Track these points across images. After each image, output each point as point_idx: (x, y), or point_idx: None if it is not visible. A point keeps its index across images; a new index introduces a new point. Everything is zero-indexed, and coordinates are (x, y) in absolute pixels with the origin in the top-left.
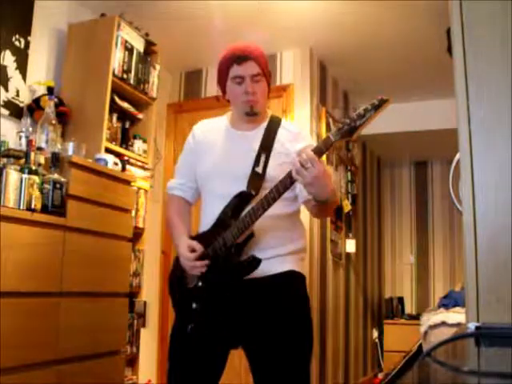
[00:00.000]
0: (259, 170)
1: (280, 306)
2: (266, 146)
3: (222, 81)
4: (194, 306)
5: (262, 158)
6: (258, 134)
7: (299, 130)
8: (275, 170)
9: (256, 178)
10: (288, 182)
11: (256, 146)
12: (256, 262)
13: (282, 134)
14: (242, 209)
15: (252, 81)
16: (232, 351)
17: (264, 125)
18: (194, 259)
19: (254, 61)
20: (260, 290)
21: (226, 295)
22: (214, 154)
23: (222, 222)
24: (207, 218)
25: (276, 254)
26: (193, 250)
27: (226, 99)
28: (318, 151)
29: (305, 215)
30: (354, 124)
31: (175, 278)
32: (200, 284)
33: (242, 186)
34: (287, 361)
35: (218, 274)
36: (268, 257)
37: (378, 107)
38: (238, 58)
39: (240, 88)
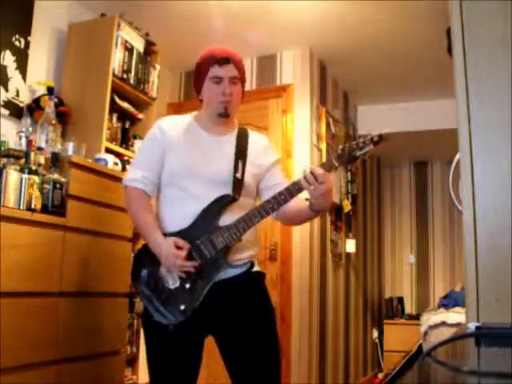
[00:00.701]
0: (239, 175)
1: (255, 301)
2: (241, 154)
3: (199, 80)
4: (182, 307)
5: (240, 165)
6: (230, 140)
7: (267, 142)
8: (249, 178)
9: (237, 184)
10: (293, 192)
11: (231, 151)
12: (251, 266)
13: (253, 144)
14: (222, 212)
15: (230, 82)
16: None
17: (234, 132)
18: (184, 258)
19: (233, 64)
20: (235, 287)
21: (216, 296)
22: (188, 154)
23: (202, 224)
24: (175, 216)
25: (249, 256)
26: (178, 248)
27: (199, 99)
28: (325, 168)
29: None
30: (354, 154)
31: (148, 275)
32: (188, 286)
33: (220, 190)
34: (258, 336)
35: (205, 275)
36: (244, 258)
37: (376, 143)
38: (220, 59)
39: (217, 88)
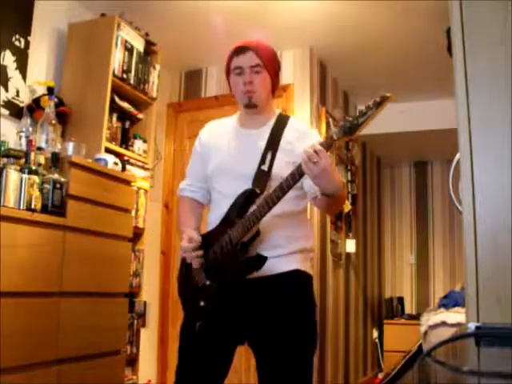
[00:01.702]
0: (265, 167)
1: (284, 305)
2: (273, 144)
3: (227, 76)
4: (201, 303)
5: (269, 156)
6: (264, 132)
7: (306, 128)
8: (282, 168)
9: (262, 176)
10: (296, 176)
11: (262, 143)
12: (262, 260)
13: (289, 133)
14: (247, 207)
15: (251, 71)
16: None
17: (271, 123)
18: (191, 250)
19: (253, 52)
20: (265, 289)
21: (230, 293)
22: (221, 154)
23: (227, 221)
24: (214, 216)
25: (281, 253)
26: (191, 241)
27: (232, 95)
28: (324, 146)
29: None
30: (356, 122)
31: (183, 277)
32: (208, 282)
33: (247, 185)
34: (289, 359)
35: (223, 272)
36: (273, 256)
37: (379, 104)
38: (238, 48)
39: (239, 79)
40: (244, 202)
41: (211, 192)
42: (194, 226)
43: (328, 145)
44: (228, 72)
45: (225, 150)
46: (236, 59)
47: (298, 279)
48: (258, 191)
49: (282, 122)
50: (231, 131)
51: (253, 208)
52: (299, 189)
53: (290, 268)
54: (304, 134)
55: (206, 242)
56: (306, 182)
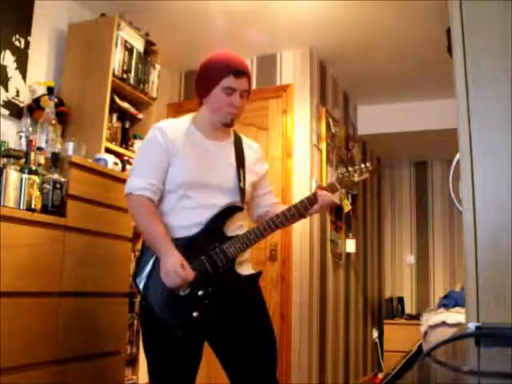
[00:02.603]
0: (242, 185)
1: (250, 299)
2: (241, 162)
3: (208, 85)
4: (195, 314)
5: (241, 173)
6: (229, 146)
7: (260, 150)
8: (249, 187)
9: (242, 193)
10: (308, 206)
11: (232, 159)
12: (258, 277)
13: (248, 152)
14: (229, 220)
15: (241, 96)
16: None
17: (231, 139)
18: (184, 280)
19: (247, 78)
20: (238, 288)
21: (227, 303)
22: (193, 161)
23: (211, 232)
24: (186, 223)
25: (247, 259)
26: (184, 267)
27: (201, 102)
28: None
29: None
30: (353, 179)
31: (155, 287)
32: (200, 293)
33: (228, 198)
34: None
35: (221, 286)
36: (243, 261)
37: (371, 172)
38: (238, 71)
39: (228, 99)
40: (227, 215)
41: (170, 196)
42: (171, 241)
43: (333, 191)
44: (213, 84)
45: (193, 158)
46: (232, 80)
47: (259, 277)
48: (243, 206)
49: (238, 139)
50: (193, 138)
51: (234, 223)
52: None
53: (253, 271)
54: (260, 157)
55: (187, 251)
56: (261, 197)
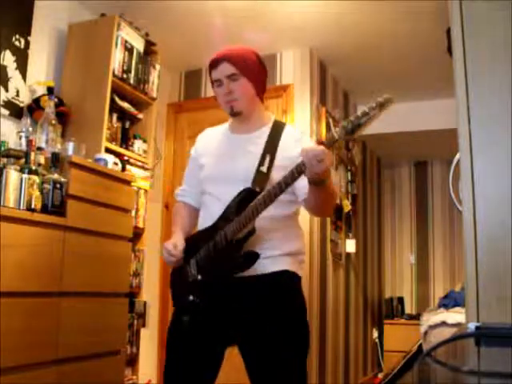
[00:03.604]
0: (264, 169)
1: (272, 305)
2: (271, 148)
3: (213, 88)
4: (190, 298)
5: (267, 159)
6: (257, 137)
7: (301, 136)
8: (279, 173)
9: (261, 177)
10: (295, 175)
11: (259, 147)
12: (254, 257)
13: (285, 139)
14: (245, 205)
15: (228, 81)
16: (232, 349)
17: (266, 128)
18: (171, 254)
19: (227, 62)
20: (253, 289)
21: (221, 290)
22: (215, 159)
23: (224, 218)
24: (205, 218)
25: (270, 255)
26: (175, 247)
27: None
28: (324, 145)
29: (304, 216)
30: (357, 122)
31: (176, 272)
32: (199, 277)
33: (240, 187)
34: (281, 360)
35: (217, 267)
36: (265, 256)
37: (382, 105)
38: (212, 62)
39: (220, 90)
40: (242, 200)
41: (203, 196)
42: (183, 229)
43: (329, 144)
44: (212, 84)
45: (216, 155)
46: (213, 72)
47: (287, 279)
48: (258, 190)
49: (278, 128)
50: (222, 137)
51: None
52: (291, 193)
53: (280, 268)
54: (300, 142)
55: (197, 240)
56: (298, 184)
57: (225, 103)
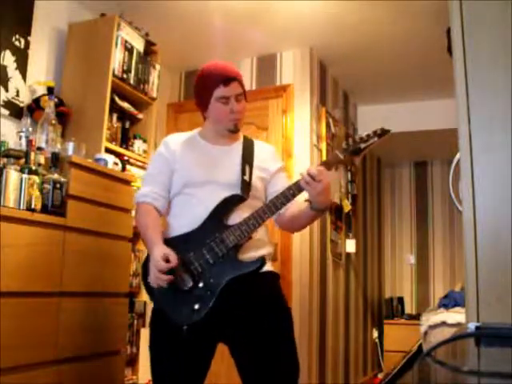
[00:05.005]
0: (246, 178)
1: (265, 302)
2: (248, 159)
3: (204, 99)
4: (196, 306)
5: (247, 168)
6: (237, 149)
7: (273, 150)
8: (256, 182)
9: (245, 185)
10: (296, 192)
11: (238, 158)
12: (263, 263)
13: (259, 151)
14: (231, 212)
15: (237, 100)
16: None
17: (240, 142)
18: (164, 271)
19: (238, 81)
20: (248, 288)
21: (227, 296)
22: (195, 164)
23: (211, 224)
24: (184, 220)
25: (261, 255)
26: (167, 261)
27: (204, 116)
28: (326, 165)
29: None
30: (358, 146)
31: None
32: (201, 285)
33: (229, 192)
34: (281, 351)
35: (221, 274)
36: (256, 256)
37: (380, 136)
38: (226, 79)
39: (225, 107)
40: (229, 205)
41: (176, 199)
42: (162, 239)
43: (334, 162)
44: (207, 98)
45: (197, 160)
46: (223, 89)
47: (274, 279)
48: (245, 197)
49: (249, 142)
50: (198, 146)
51: (240, 215)
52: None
53: (266, 269)
54: (273, 155)
55: (182, 245)
56: (271, 189)
57: (229, 121)
